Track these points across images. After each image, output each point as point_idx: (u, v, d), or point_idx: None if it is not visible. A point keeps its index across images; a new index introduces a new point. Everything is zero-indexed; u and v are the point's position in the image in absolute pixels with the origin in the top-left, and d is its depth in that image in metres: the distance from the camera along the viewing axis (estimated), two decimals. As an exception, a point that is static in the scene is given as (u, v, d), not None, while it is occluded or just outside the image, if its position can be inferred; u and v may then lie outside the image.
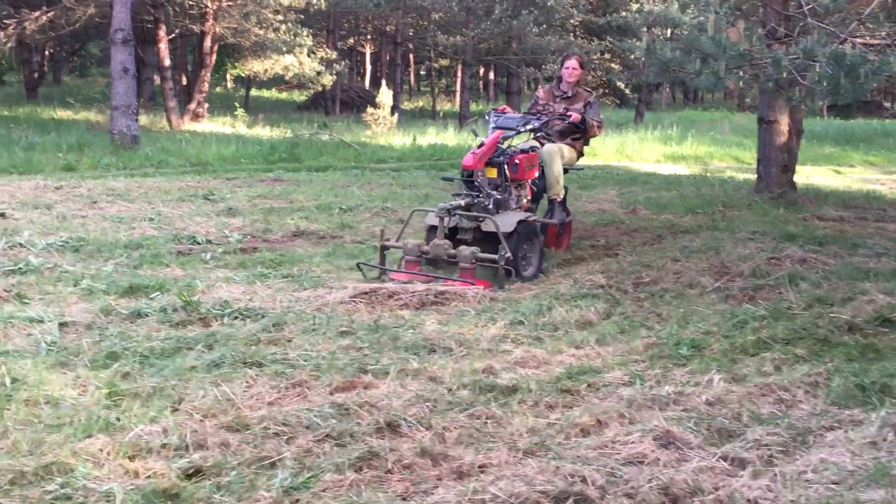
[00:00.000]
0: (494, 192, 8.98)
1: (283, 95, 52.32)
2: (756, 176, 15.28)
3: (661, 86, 55.34)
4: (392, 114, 28.34)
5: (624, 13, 39.60)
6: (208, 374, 5.98)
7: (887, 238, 11.41)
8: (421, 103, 50.19)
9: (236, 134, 25.64)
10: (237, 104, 33.74)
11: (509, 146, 9.44)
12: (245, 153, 20.10)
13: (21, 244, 9.49)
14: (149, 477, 4.52)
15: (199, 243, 10.09)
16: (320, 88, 35.79)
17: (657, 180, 18.17)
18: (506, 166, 9.17)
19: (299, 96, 48.79)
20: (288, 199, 13.51)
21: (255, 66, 32.89)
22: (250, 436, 5.04)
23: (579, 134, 10.21)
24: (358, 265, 8.79)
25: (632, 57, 40.65)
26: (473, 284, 8.16)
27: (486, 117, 9.71)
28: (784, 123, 14.47)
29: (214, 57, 32.20)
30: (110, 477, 4.54)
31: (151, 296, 7.84)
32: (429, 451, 4.88)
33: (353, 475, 4.62)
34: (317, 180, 16.22)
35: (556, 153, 9.87)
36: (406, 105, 45.70)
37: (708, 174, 20.22)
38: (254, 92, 46.40)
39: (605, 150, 24.10)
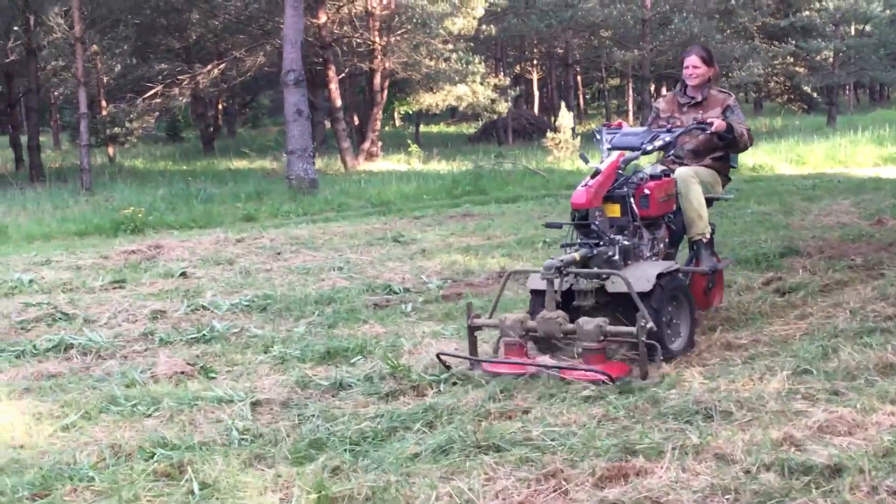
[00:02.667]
0: (620, 238, 6.59)
1: (452, 129, 51.72)
2: None
3: (846, 87, 52.32)
4: (574, 137, 26.95)
5: (807, 12, 37.19)
6: (435, 463, 4.76)
7: None
8: (593, 125, 48.63)
9: (413, 170, 24.79)
10: (409, 141, 32.99)
11: (635, 172, 6.95)
12: (427, 189, 19.16)
13: (204, 306, 8.56)
14: None
15: (395, 293, 8.99)
16: (494, 118, 34.78)
17: (889, 185, 16.23)
18: (632, 200, 6.70)
19: (468, 128, 48.04)
20: (484, 235, 12.37)
21: (428, 100, 32.15)
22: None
23: (721, 151, 7.59)
24: (438, 356, 6.32)
25: (817, 58, 38.22)
26: (604, 374, 5.85)
27: (597, 136, 7.18)
28: None
29: (385, 94, 31.60)
30: None
31: (352, 361, 6.75)
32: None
33: None
34: (509, 212, 15.05)
35: (692, 179, 7.25)
36: (578, 128, 44.31)
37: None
38: (423, 128, 45.83)
39: (814, 156, 22.18)
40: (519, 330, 6.22)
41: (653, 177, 6.96)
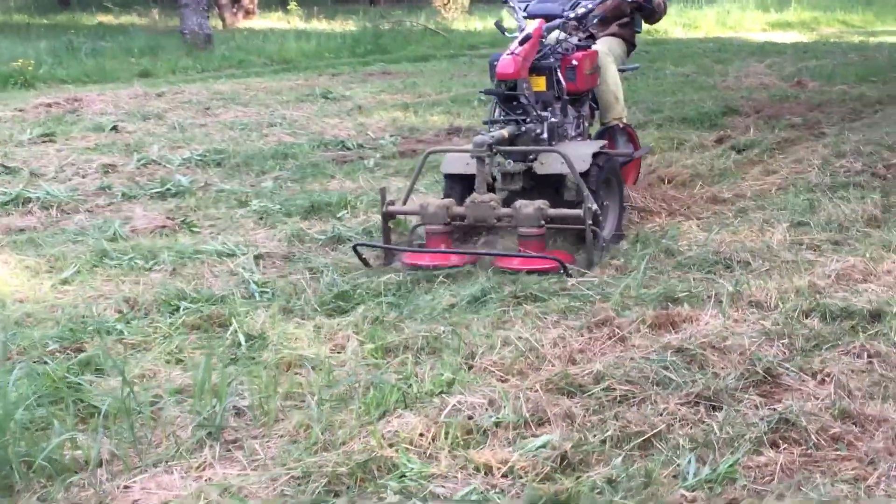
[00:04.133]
0: (547, 114, 5.89)
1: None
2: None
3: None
4: (464, -4, 26.54)
5: None
6: (476, 314, 4.73)
7: None
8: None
9: (295, 28, 23.97)
10: (288, -1, 31.86)
11: (559, 41, 6.21)
12: (328, 47, 18.68)
13: (155, 161, 8.20)
14: (512, 474, 3.27)
15: (349, 148, 8.84)
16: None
17: (790, 49, 16.61)
18: (559, 72, 6.02)
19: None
20: (414, 93, 12.19)
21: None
22: (590, 401, 3.77)
23: (627, 17, 7.01)
24: (354, 248, 5.59)
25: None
26: (556, 259, 5.29)
27: (510, 2, 6.48)
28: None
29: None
30: (454, 475, 3.29)
31: (338, 215, 6.57)
32: (849, 413, 3.62)
33: (775, 454, 3.35)
34: (427, 71, 14.86)
35: (608, 57, 6.67)
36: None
37: (826, 40, 18.56)
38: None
39: (706, 21, 22.45)
40: (444, 217, 5.46)
41: (578, 47, 6.31)
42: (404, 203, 5.84)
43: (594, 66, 6.42)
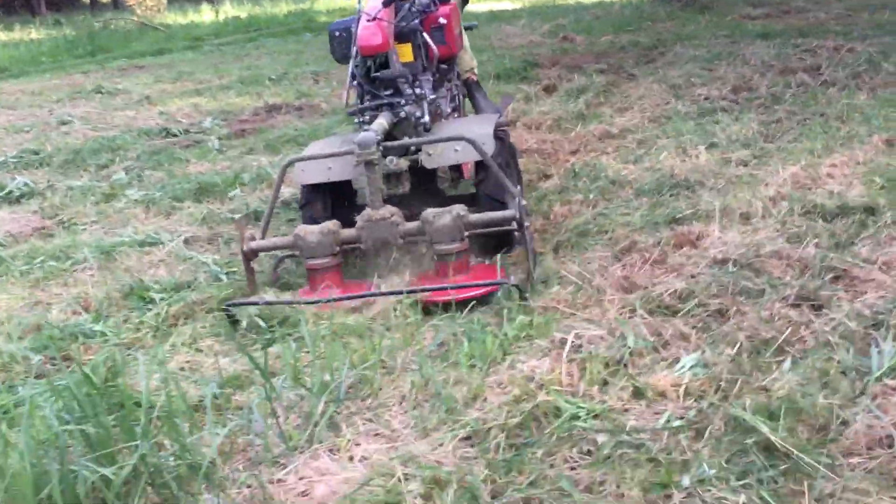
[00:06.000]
0: (425, 91, 4.85)
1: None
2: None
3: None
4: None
5: None
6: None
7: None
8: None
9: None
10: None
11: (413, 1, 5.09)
12: (40, 51, 17.28)
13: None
14: (690, 396, 3.09)
15: (175, 135, 8.16)
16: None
17: (524, 14, 17.10)
18: (426, 36, 4.99)
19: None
20: (193, 80, 11.48)
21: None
22: (691, 319, 3.65)
23: None
24: (225, 308, 4.09)
25: None
26: (499, 283, 4.06)
27: None
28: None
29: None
30: (629, 406, 3.08)
31: (231, 195, 6.06)
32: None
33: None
34: (178, 62, 14.03)
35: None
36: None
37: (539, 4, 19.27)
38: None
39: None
40: (330, 246, 4.22)
41: (433, 1, 5.23)
42: (263, 234, 4.43)
43: (460, 24, 5.55)
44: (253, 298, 4.14)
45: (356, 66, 4.73)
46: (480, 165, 4.57)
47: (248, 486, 2.80)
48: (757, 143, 6.14)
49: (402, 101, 4.70)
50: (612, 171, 5.71)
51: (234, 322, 4.03)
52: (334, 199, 4.75)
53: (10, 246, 5.36)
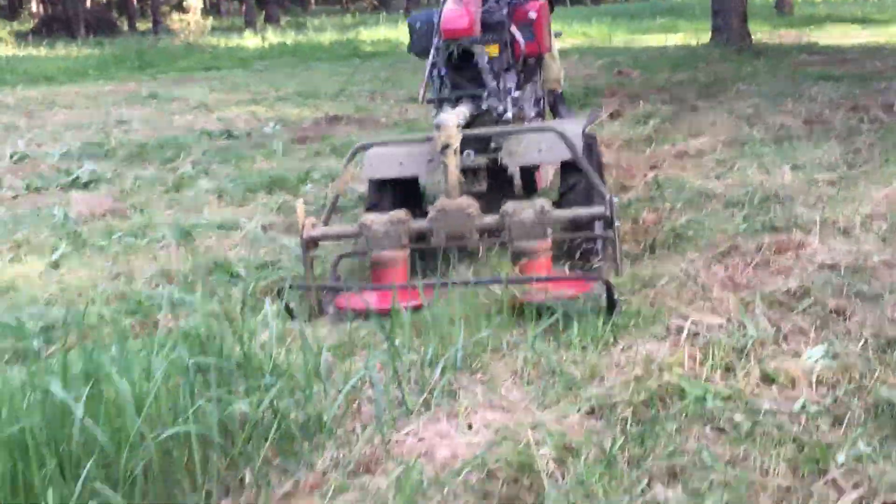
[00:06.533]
0: (510, 85, 4.62)
1: None
2: (711, 29, 14.41)
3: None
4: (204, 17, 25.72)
5: None
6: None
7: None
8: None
9: (28, 54, 22.15)
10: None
11: None
12: (87, 64, 17.38)
13: (27, 155, 7.18)
14: (822, 384, 2.96)
15: (237, 137, 8.10)
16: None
17: (573, 51, 17.07)
18: (514, 30, 4.70)
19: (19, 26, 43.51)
20: (248, 91, 11.46)
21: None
22: (808, 316, 3.52)
23: None
24: (287, 306, 3.73)
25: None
26: (595, 277, 3.84)
27: None
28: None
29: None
30: (758, 392, 2.94)
31: (303, 189, 5.99)
32: None
33: None
34: (229, 77, 14.06)
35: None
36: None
37: (587, 45, 19.27)
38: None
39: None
40: (399, 237, 3.87)
41: None
42: (326, 221, 4.12)
43: (550, 25, 5.11)
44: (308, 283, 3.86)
45: (437, 53, 4.43)
46: (566, 170, 4.28)
47: (369, 443, 2.67)
48: (841, 168, 6.00)
49: (485, 94, 4.42)
50: (697, 184, 5.59)
51: (288, 310, 3.73)
52: (404, 202, 4.28)
53: (85, 223, 5.27)
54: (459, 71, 4.41)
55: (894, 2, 26.45)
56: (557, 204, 4.15)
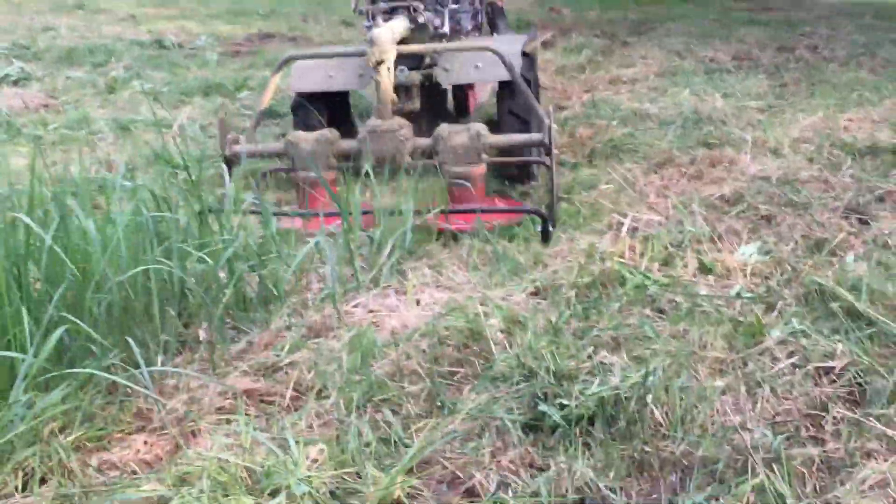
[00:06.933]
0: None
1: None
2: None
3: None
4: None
5: None
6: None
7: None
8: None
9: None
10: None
11: None
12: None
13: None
14: (756, 276, 3.08)
15: (167, 48, 7.97)
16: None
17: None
18: None
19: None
20: (178, 6, 11.27)
21: None
22: (740, 221, 3.65)
23: None
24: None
25: None
26: (531, 210, 3.69)
27: None
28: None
29: None
30: (695, 280, 3.06)
31: (239, 95, 5.95)
32: None
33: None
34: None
35: None
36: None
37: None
38: None
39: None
40: (327, 156, 3.69)
41: None
42: (250, 138, 3.90)
43: None
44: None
45: None
46: (502, 91, 4.13)
47: (320, 312, 2.72)
48: (769, 98, 6.15)
49: (422, 6, 4.18)
50: (632, 106, 5.69)
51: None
52: (331, 118, 4.16)
53: (19, 116, 5.17)
54: None
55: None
56: (494, 127, 3.96)
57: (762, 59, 7.68)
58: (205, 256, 2.46)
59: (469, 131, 3.64)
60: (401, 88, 4.00)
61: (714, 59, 7.61)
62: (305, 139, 3.68)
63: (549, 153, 3.67)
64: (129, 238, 2.35)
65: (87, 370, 1.99)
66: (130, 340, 2.08)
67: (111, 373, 2.09)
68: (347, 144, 3.73)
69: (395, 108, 3.87)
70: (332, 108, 4.22)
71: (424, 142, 3.72)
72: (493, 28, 5.72)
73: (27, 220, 2.18)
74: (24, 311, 1.95)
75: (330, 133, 3.74)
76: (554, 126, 3.76)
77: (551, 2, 13.02)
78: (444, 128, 3.69)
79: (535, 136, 3.76)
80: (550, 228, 3.43)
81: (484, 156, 3.66)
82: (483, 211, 3.54)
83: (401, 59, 3.91)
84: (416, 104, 4.13)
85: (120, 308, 2.19)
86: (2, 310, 1.99)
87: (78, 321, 2.03)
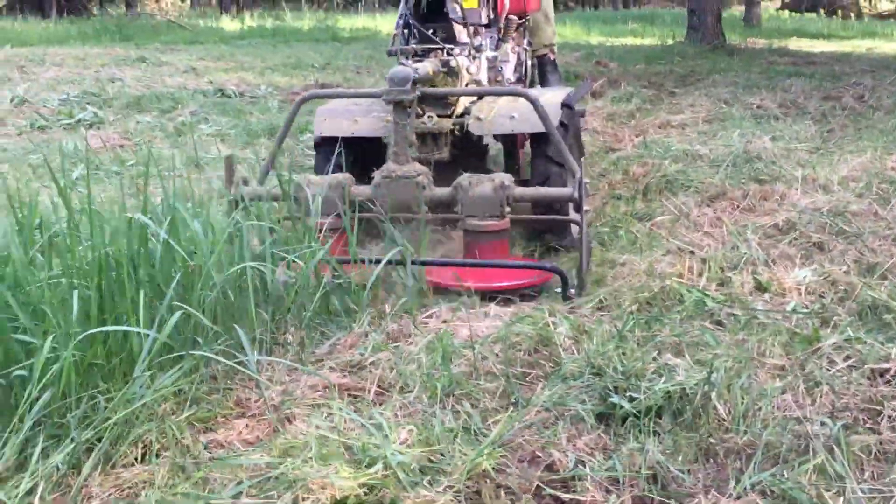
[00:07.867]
0: (482, 41, 4.32)
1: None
2: (687, 28, 14.75)
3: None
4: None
5: None
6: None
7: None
8: None
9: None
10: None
11: None
12: (71, 35, 17.36)
13: (27, 100, 7.31)
14: (811, 294, 3.21)
15: (230, 97, 8.24)
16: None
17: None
18: None
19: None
20: (237, 61, 11.58)
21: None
22: (791, 248, 3.78)
23: None
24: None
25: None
26: (553, 269, 3.41)
27: None
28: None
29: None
30: (750, 298, 3.19)
31: (302, 138, 6.20)
32: None
33: None
34: (215, 50, 14.12)
35: None
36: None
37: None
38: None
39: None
40: (338, 202, 3.33)
41: None
42: (262, 180, 3.67)
43: None
44: None
45: (406, 1, 4.06)
46: (537, 143, 3.89)
47: (397, 321, 2.89)
48: (817, 141, 6.30)
49: (456, 50, 3.96)
50: (682, 147, 5.84)
51: None
52: (358, 161, 3.87)
53: (97, 154, 5.44)
54: (430, 23, 4.04)
55: (857, 22, 27.05)
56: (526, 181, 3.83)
57: (808, 107, 7.82)
58: (297, 259, 2.66)
59: (493, 181, 3.42)
60: (427, 136, 3.80)
61: (761, 105, 7.77)
62: (315, 183, 3.40)
63: (578, 209, 3.45)
64: (226, 243, 2.55)
65: (200, 353, 2.18)
66: (238, 328, 2.27)
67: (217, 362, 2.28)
68: (360, 190, 3.47)
69: (421, 157, 3.68)
70: (359, 151, 3.93)
71: (444, 191, 3.47)
72: (544, 82, 5.60)
73: (144, 219, 2.39)
74: (142, 294, 2.15)
75: (343, 177, 3.48)
76: (586, 180, 3.60)
77: (598, 57, 13.26)
78: (465, 177, 3.46)
79: (565, 189, 3.56)
80: (571, 290, 3.22)
81: (507, 209, 3.44)
82: (491, 265, 3.35)
83: (428, 103, 3.76)
84: (444, 153, 3.85)
85: (222, 304, 2.39)
86: (123, 296, 2.19)
87: (191, 309, 2.23)
